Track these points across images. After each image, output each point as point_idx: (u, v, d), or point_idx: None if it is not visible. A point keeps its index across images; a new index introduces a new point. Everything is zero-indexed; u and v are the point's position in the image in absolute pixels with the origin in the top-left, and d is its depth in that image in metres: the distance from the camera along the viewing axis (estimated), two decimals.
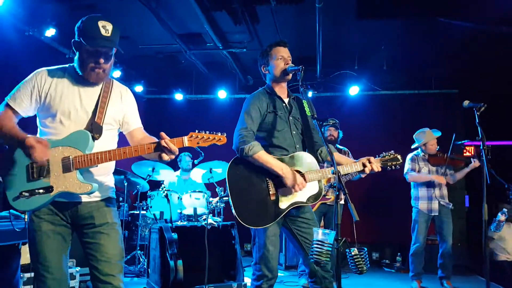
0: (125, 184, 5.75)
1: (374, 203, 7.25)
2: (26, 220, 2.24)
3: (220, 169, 5.73)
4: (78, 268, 4.14)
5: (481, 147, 3.28)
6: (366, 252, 2.21)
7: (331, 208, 5.32)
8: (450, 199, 5.31)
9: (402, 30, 5.79)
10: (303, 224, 2.85)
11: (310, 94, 7.44)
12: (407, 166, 5.32)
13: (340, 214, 2.20)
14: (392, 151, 2.85)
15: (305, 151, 2.96)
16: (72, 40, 2.24)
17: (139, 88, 7.76)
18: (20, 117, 2.28)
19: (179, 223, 5.02)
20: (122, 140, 2.52)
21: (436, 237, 5.46)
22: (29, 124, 2.36)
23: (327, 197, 5.21)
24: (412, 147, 5.42)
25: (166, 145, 2.14)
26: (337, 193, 2.21)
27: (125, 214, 6.17)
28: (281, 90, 3.06)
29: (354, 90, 7.53)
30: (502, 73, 6.34)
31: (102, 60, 2.19)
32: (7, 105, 2.25)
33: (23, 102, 2.23)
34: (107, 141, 2.34)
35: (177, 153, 2.17)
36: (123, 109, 2.43)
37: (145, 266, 5.50)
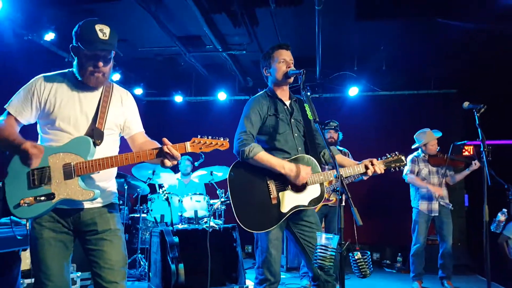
0: (125, 187, 5.74)
1: (375, 204, 7.25)
2: (28, 227, 2.22)
3: (221, 173, 5.75)
4: (79, 273, 4.12)
5: (482, 149, 3.29)
6: (369, 256, 2.21)
7: (332, 210, 5.32)
8: (450, 199, 5.31)
9: (401, 31, 5.80)
10: (306, 228, 2.85)
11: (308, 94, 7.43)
12: (406, 167, 5.33)
13: (342, 217, 2.20)
14: (396, 152, 2.84)
15: (307, 153, 2.95)
16: (70, 45, 2.22)
17: (138, 91, 7.76)
18: (21, 125, 2.26)
19: (179, 226, 5.02)
20: (123, 144, 2.51)
21: (436, 237, 5.47)
22: (29, 131, 2.35)
23: (329, 198, 5.22)
24: (413, 147, 5.43)
25: (168, 151, 2.12)
26: (340, 197, 2.21)
27: (126, 217, 6.16)
28: (283, 93, 3.07)
29: (353, 91, 7.54)
30: (501, 73, 6.34)
31: (101, 64, 2.18)
32: (8, 114, 2.23)
33: (24, 110, 2.22)
34: (109, 147, 2.32)
35: (179, 159, 2.15)
36: (124, 113, 2.41)
37: (146, 270, 5.48)
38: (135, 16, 5.24)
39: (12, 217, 3.40)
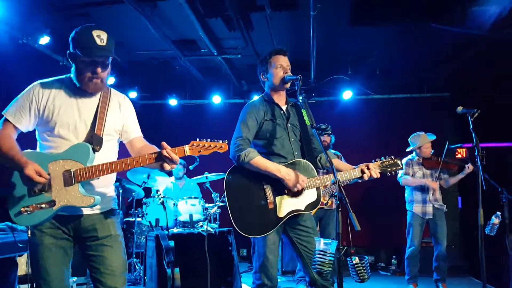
0: (120, 191, 5.72)
1: (369, 207, 7.28)
2: (29, 235, 2.22)
3: (216, 175, 5.75)
4: (75, 278, 4.11)
5: (476, 153, 3.32)
6: (367, 261, 2.23)
7: (328, 213, 5.35)
8: (443, 201, 5.35)
9: (395, 36, 5.84)
10: (303, 232, 2.87)
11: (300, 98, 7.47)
12: (400, 170, 5.35)
13: (340, 222, 2.21)
14: (392, 156, 2.87)
15: (303, 158, 2.97)
16: (68, 52, 2.22)
17: (133, 94, 7.74)
18: (19, 132, 2.26)
19: (175, 230, 5.00)
20: (122, 149, 2.51)
21: (431, 240, 5.51)
22: (27, 137, 2.34)
23: (327, 203, 5.25)
24: (407, 150, 5.47)
25: (167, 155, 2.12)
26: (338, 202, 2.23)
27: (120, 221, 6.13)
28: (279, 98, 3.09)
29: (347, 95, 7.58)
30: (493, 77, 6.42)
31: (99, 70, 2.18)
32: (6, 121, 2.22)
33: (22, 117, 2.21)
34: (108, 152, 2.32)
35: (178, 162, 2.16)
36: (122, 118, 2.41)
37: (141, 274, 5.46)
38: (131, 20, 5.23)
39: (8, 222, 3.41)
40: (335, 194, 2.26)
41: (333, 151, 5.54)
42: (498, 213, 3.99)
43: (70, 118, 2.23)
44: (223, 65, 6.80)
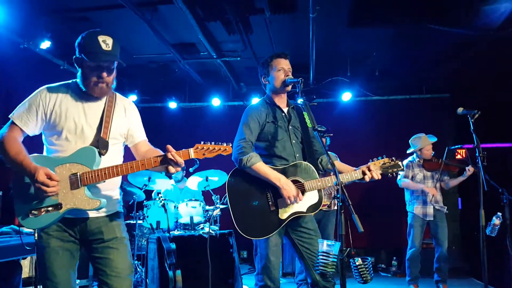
0: (121, 194, 5.72)
1: (369, 207, 7.27)
2: (36, 237, 2.23)
3: (217, 177, 5.76)
4: (78, 281, 4.12)
5: (477, 154, 3.33)
6: (370, 262, 2.24)
7: (326, 215, 5.35)
8: (443, 203, 5.37)
9: (394, 37, 5.87)
10: (304, 234, 2.88)
11: (300, 101, 7.49)
12: (400, 172, 5.36)
13: (343, 224, 2.23)
14: (393, 158, 2.88)
15: (305, 160, 2.99)
16: (74, 57, 2.25)
17: (132, 97, 7.76)
18: (25, 135, 2.28)
19: (176, 232, 5.02)
20: (127, 152, 2.53)
21: (432, 241, 5.51)
22: (33, 141, 2.37)
23: (329, 205, 5.25)
24: (408, 152, 5.48)
25: (172, 158, 2.14)
26: (341, 204, 2.24)
27: None
28: (281, 100, 3.11)
29: (346, 96, 7.59)
30: (494, 77, 6.44)
31: (105, 74, 2.21)
32: (13, 124, 2.23)
33: (29, 121, 2.23)
34: (114, 156, 2.35)
35: (183, 165, 2.18)
36: (128, 122, 2.44)
37: (142, 276, 5.47)
38: (130, 23, 5.26)
39: (13, 226, 3.42)
40: (338, 196, 2.27)
41: (329, 152, 5.55)
42: (499, 213, 3.99)
43: (77, 122, 2.25)
44: (222, 68, 6.82)
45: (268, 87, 3.13)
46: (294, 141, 3.02)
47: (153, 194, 6.04)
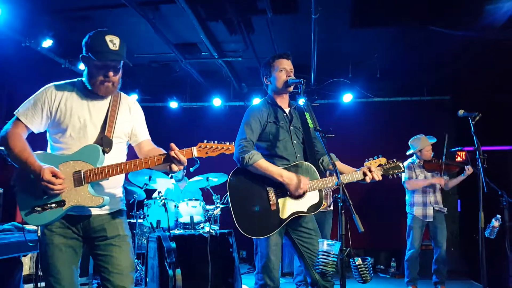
0: (124, 192, 5.73)
1: (368, 208, 7.27)
2: (39, 234, 2.26)
3: (216, 179, 5.79)
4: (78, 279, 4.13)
5: (478, 156, 3.34)
6: (370, 262, 2.25)
7: (323, 215, 5.35)
8: (443, 204, 5.37)
9: (395, 39, 5.89)
10: (305, 234, 2.90)
11: (302, 101, 7.51)
12: (404, 174, 5.37)
13: (344, 224, 2.24)
14: (394, 159, 2.90)
15: (306, 160, 3.00)
16: (80, 56, 2.28)
17: (134, 97, 7.73)
18: (30, 132, 2.29)
19: (176, 231, 5.03)
20: (130, 152, 2.55)
21: (430, 242, 5.53)
22: (37, 138, 2.38)
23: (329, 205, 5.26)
24: (408, 153, 5.49)
25: (175, 156, 2.16)
26: (341, 204, 2.25)
27: None
28: (282, 101, 3.12)
29: (347, 98, 7.61)
30: (494, 80, 6.44)
31: (111, 74, 2.24)
32: (18, 120, 2.25)
33: (35, 118, 2.25)
34: (117, 154, 2.37)
35: (186, 164, 2.20)
36: (132, 121, 2.47)
37: (142, 275, 5.49)
38: (132, 23, 5.27)
39: (14, 222, 3.44)
40: (339, 196, 2.28)
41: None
42: (498, 216, 4.00)
43: (81, 120, 2.28)
44: (223, 68, 6.84)
45: (270, 87, 3.14)
46: (295, 142, 3.03)
47: (154, 195, 6.06)
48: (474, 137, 3.35)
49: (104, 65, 2.21)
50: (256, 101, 6.92)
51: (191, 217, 5.30)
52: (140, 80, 7.83)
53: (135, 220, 5.90)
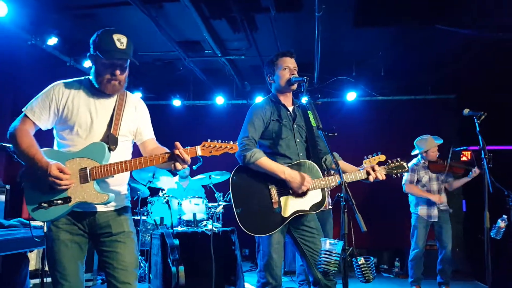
0: (129, 189, 5.75)
1: (372, 208, 7.25)
2: (45, 230, 2.28)
3: (218, 176, 5.80)
4: None
5: (483, 156, 3.31)
6: (373, 261, 2.24)
7: (323, 215, 5.32)
8: (448, 205, 5.34)
9: (399, 37, 5.86)
10: (307, 233, 2.89)
11: (304, 99, 7.50)
12: (405, 176, 5.33)
13: (346, 223, 2.23)
14: (398, 159, 2.88)
15: (308, 159, 2.99)
16: (88, 54, 2.30)
17: (137, 95, 7.74)
18: (37, 129, 2.31)
19: (179, 228, 5.05)
20: (135, 150, 2.56)
21: (435, 242, 5.48)
22: (43, 135, 2.39)
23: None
24: (413, 153, 5.45)
25: (180, 155, 2.18)
26: (344, 203, 2.24)
27: None
28: (286, 99, 3.12)
29: (351, 96, 7.60)
30: (499, 78, 6.40)
31: (118, 72, 2.26)
32: (26, 117, 2.27)
33: (42, 115, 2.27)
34: (123, 152, 2.39)
35: (189, 162, 2.21)
36: (137, 120, 2.49)
37: (145, 272, 5.51)
38: (136, 21, 5.27)
39: (20, 218, 3.46)
40: (342, 195, 2.27)
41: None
42: (504, 216, 3.98)
43: (88, 118, 2.30)
44: (226, 66, 6.84)
45: (273, 85, 3.14)
46: (298, 140, 3.02)
47: (160, 191, 6.08)
48: (479, 136, 3.33)
49: (111, 64, 2.23)
50: (259, 99, 6.91)
51: (194, 215, 5.31)
52: (144, 78, 7.83)
53: (139, 217, 5.92)
